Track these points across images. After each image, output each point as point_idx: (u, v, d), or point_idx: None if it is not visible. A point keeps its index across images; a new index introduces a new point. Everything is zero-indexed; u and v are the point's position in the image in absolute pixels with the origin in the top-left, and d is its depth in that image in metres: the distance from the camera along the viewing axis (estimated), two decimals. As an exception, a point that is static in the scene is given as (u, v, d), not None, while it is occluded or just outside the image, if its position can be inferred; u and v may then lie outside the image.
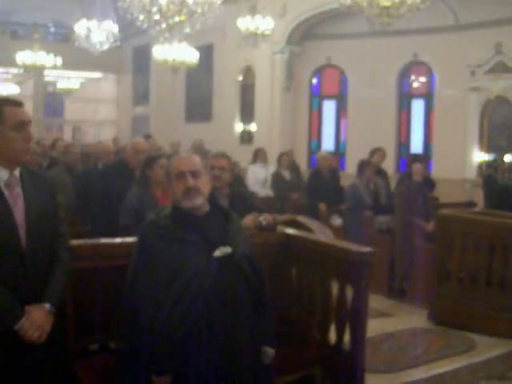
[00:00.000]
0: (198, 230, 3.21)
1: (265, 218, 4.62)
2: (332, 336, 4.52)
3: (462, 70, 14.10)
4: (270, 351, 3.39)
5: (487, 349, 6.03)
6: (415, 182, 8.54)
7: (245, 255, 3.28)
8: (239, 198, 4.97)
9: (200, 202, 3.26)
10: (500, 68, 13.67)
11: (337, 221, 9.59)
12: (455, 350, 5.98)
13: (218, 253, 3.17)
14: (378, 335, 6.17)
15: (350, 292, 4.36)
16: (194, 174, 3.27)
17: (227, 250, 3.20)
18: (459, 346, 6.11)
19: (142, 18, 9.33)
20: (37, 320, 3.02)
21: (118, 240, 4.24)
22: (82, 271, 3.76)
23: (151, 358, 3.04)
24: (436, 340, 6.29)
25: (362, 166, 9.07)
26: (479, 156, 14.09)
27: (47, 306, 3.10)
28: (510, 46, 13.39)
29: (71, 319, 3.77)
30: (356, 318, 4.28)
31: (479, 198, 11.36)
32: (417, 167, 8.65)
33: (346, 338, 4.39)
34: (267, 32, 13.73)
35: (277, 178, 11.00)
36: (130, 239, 3.85)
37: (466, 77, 14.14)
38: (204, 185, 3.29)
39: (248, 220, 4.50)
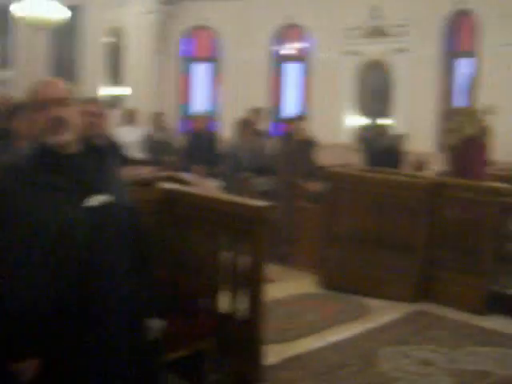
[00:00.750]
0: (67, 173, 2.51)
1: (142, 172, 4.03)
2: (224, 304, 4.00)
3: (337, 34, 13.83)
4: (158, 324, 2.78)
5: (382, 313, 5.74)
6: (297, 141, 8.09)
7: (125, 206, 2.65)
8: (112, 148, 4.33)
9: (69, 137, 2.54)
10: (376, 32, 13.52)
11: (212, 183, 9.04)
12: (349, 316, 5.62)
13: (93, 201, 2.51)
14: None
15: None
16: (62, 103, 2.56)
17: (105, 198, 2.55)
18: (353, 311, 5.77)
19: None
20: None
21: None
22: None
23: (8, 338, 2.37)
24: (327, 305, 5.91)
25: (241, 126, 8.54)
26: (354, 120, 13.92)
27: None
28: (385, 9, 13.21)
29: None
30: (254, 282, 3.76)
31: (355, 162, 11.17)
32: (299, 125, 8.22)
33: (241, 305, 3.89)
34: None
35: (149, 140, 10.30)
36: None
37: (341, 40, 13.90)
38: (74, 117, 2.58)
39: (123, 174, 3.86)
